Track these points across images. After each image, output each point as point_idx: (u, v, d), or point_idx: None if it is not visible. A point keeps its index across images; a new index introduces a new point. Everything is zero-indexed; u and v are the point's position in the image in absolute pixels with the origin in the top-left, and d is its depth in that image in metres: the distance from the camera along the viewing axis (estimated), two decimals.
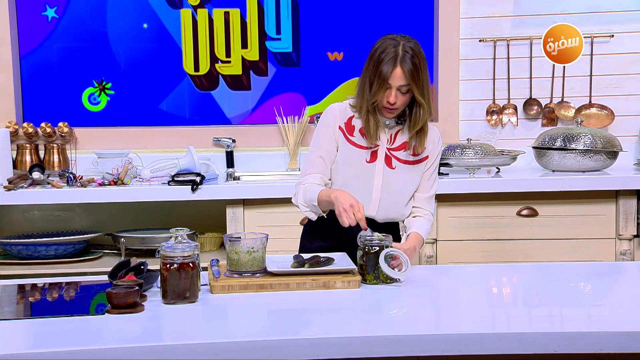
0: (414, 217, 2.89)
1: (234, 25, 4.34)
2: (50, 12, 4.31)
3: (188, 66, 4.36)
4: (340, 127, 2.85)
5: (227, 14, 4.34)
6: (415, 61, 2.68)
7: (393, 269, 2.51)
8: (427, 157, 2.88)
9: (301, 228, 3.05)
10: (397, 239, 2.92)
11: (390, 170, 2.84)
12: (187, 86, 4.38)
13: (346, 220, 2.59)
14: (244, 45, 4.35)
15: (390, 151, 2.84)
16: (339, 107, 2.89)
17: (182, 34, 4.33)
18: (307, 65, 4.38)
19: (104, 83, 4.35)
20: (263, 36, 4.35)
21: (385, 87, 2.70)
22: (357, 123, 2.84)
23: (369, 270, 2.53)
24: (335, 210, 2.63)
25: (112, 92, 4.37)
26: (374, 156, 2.83)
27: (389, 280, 2.54)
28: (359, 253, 2.57)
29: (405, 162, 2.85)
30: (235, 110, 4.41)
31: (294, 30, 4.35)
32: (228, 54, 4.36)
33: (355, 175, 2.84)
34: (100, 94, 4.36)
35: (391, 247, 2.56)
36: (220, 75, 4.37)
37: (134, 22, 4.33)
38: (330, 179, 2.88)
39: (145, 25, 4.32)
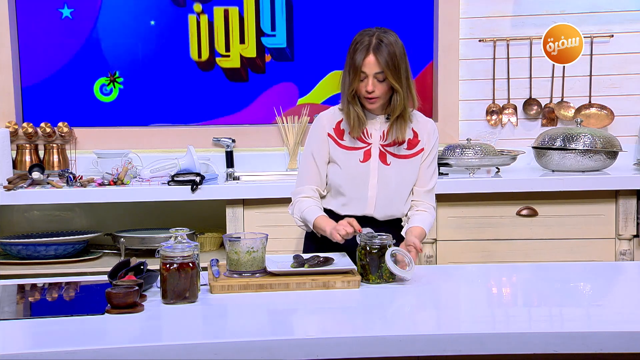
0: (416, 210, 2.89)
1: (233, 22, 4.40)
2: (66, 12, 4.33)
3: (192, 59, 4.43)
4: (329, 134, 2.90)
5: (226, 11, 4.40)
6: (390, 49, 2.74)
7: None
8: (422, 150, 2.89)
9: (301, 228, 3.06)
10: (398, 238, 2.92)
11: (385, 167, 2.85)
12: (191, 79, 4.43)
13: (340, 238, 2.66)
14: (242, 41, 4.41)
15: (384, 147, 2.85)
16: (326, 114, 2.95)
17: (190, 30, 4.40)
18: (301, 60, 4.42)
19: (116, 75, 4.39)
20: (259, 32, 4.41)
21: (360, 75, 2.75)
22: (347, 126, 2.87)
23: (372, 270, 2.53)
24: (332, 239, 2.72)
25: (121, 85, 4.40)
26: (367, 155, 2.85)
27: (391, 279, 2.54)
28: (360, 253, 2.57)
29: (400, 156, 2.86)
30: (234, 100, 4.46)
31: (288, 27, 4.40)
32: (227, 49, 4.41)
33: (351, 177, 2.85)
34: (110, 84, 4.41)
35: (393, 246, 2.57)
36: (220, 69, 4.43)
37: (141, 20, 4.38)
38: (326, 185, 2.93)
39: (152, 23, 4.38)
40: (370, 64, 2.74)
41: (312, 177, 2.92)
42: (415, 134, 2.88)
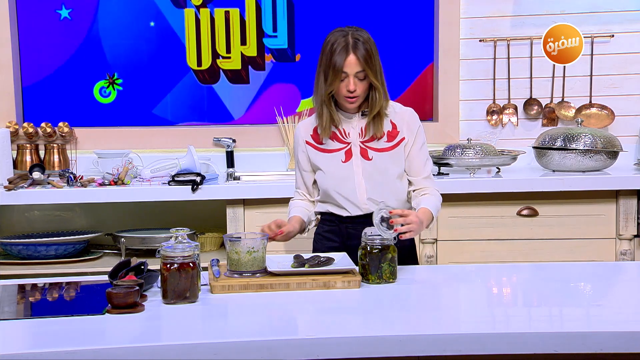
0: (421, 195, 2.88)
1: (234, 23, 4.39)
2: (64, 12, 4.34)
3: (191, 61, 4.41)
4: (307, 142, 2.93)
5: (227, 13, 4.39)
6: (367, 47, 2.77)
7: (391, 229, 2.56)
8: (403, 139, 2.89)
9: None
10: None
11: (367, 162, 2.87)
12: (190, 80, 4.42)
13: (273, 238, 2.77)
14: (243, 42, 4.40)
15: (364, 144, 2.87)
16: (303, 123, 3.00)
17: (186, 31, 4.39)
18: (302, 60, 4.42)
19: (115, 77, 4.38)
20: (261, 33, 4.41)
21: (341, 76, 2.77)
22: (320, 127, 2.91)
23: (372, 270, 2.53)
24: None
25: (120, 87, 4.39)
26: (348, 155, 2.87)
27: (391, 279, 2.54)
28: (360, 253, 2.57)
29: (382, 150, 2.87)
30: (235, 102, 4.45)
31: (290, 28, 4.40)
32: (228, 50, 4.41)
33: (336, 179, 2.88)
34: (109, 87, 4.40)
35: (394, 246, 2.57)
36: (220, 70, 4.41)
37: (141, 21, 4.38)
38: (318, 192, 2.97)
39: (152, 24, 4.38)
40: (352, 64, 2.75)
41: (300, 183, 3.02)
42: (394, 125, 2.89)
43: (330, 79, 2.78)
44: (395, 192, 2.89)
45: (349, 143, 2.88)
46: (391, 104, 2.92)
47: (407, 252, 2.94)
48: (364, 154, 2.87)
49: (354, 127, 2.88)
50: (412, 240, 3.00)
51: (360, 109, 2.88)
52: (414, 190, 2.91)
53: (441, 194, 2.92)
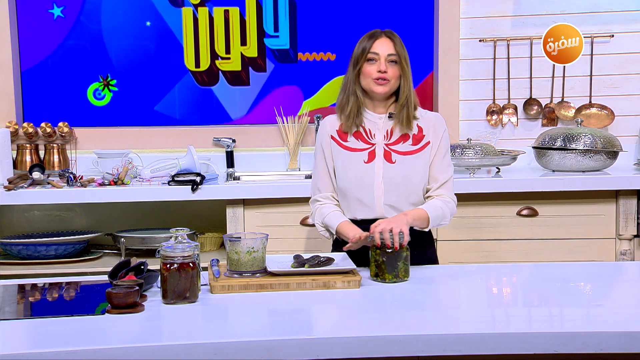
0: (429, 201, 2.87)
1: (234, 23, 4.37)
2: (57, 11, 4.33)
3: (189, 62, 4.39)
4: (332, 137, 2.91)
5: (226, 12, 4.37)
6: (397, 36, 2.86)
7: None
8: (428, 143, 2.87)
9: (301, 228, 3.07)
10: (430, 240, 2.95)
11: (390, 165, 2.84)
12: (188, 82, 4.40)
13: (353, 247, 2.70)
14: (243, 42, 4.38)
15: (389, 146, 2.85)
16: (330, 118, 2.97)
17: (184, 31, 4.36)
18: (304, 61, 4.40)
19: (109, 79, 4.37)
20: (261, 33, 4.38)
21: (368, 56, 2.81)
22: (345, 121, 2.90)
23: (389, 269, 2.53)
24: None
25: (115, 87, 4.38)
26: (371, 156, 2.85)
27: (406, 278, 2.56)
28: (375, 253, 2.56)
29: (406, 153, 2.85)
30: (235, 105, 4.43)
31: (292, 27, 4.38)
32: (228, 51, 4.39)
33: (356, 178, 2.85)
34: (104, 89, 4.38)
35: (407, 244, 2.59)
36: (220, 72, 4.39)
37: (137, 20, 4.36)
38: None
39: (148, 23, 4.35)
40: (384, 45, 2.81)
41: (326, 182, 2.93)
42: (420, 129, 2.88)
43: (361, 63, 2.83)
44: (411, 198, 2.86)
45: (373, 144, 2.86)
46: (419, 109, 2.91)
47: (430, 257, 2.96)
48: (388, 157, 2.84)
49: (379, 128, 2.87)
50: (433, 245, 3.01)
51: (388, 109, 2.88)
52: (427, 197, 2.89)
53: None
